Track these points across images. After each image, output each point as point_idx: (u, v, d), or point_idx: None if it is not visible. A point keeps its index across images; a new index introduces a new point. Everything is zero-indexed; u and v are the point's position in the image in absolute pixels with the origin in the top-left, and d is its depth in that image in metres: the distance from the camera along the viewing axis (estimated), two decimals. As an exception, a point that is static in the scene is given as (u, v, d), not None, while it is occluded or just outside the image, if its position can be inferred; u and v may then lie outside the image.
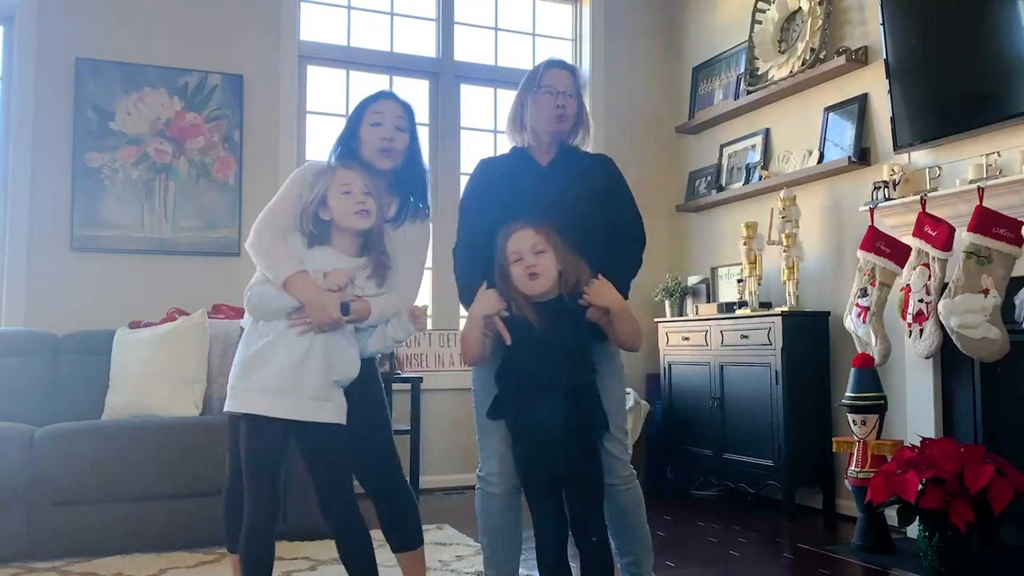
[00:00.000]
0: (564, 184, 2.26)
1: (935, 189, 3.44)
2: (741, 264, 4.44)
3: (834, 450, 3.68)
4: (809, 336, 4.04)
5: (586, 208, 2.24)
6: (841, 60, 4.01)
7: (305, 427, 2.05)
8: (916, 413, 3.50)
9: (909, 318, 3.37)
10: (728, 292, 4.79)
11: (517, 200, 2.23)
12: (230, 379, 2.11)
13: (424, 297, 4.97)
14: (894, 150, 3.69)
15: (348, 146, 2.28)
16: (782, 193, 4.14)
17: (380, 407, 2.33)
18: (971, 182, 3.23)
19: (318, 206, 2.13)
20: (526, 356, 2.08)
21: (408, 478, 2.70)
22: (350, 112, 2.34)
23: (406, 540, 2.33)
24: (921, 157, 3.66)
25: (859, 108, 4.01)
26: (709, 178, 5.04)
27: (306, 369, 2.04)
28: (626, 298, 2.17)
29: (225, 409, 2.10)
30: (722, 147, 4.96)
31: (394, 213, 2.29)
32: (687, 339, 4.62)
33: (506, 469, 2.21)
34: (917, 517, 2.97)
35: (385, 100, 2.30)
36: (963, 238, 3.13)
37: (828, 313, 4.10)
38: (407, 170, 2.32)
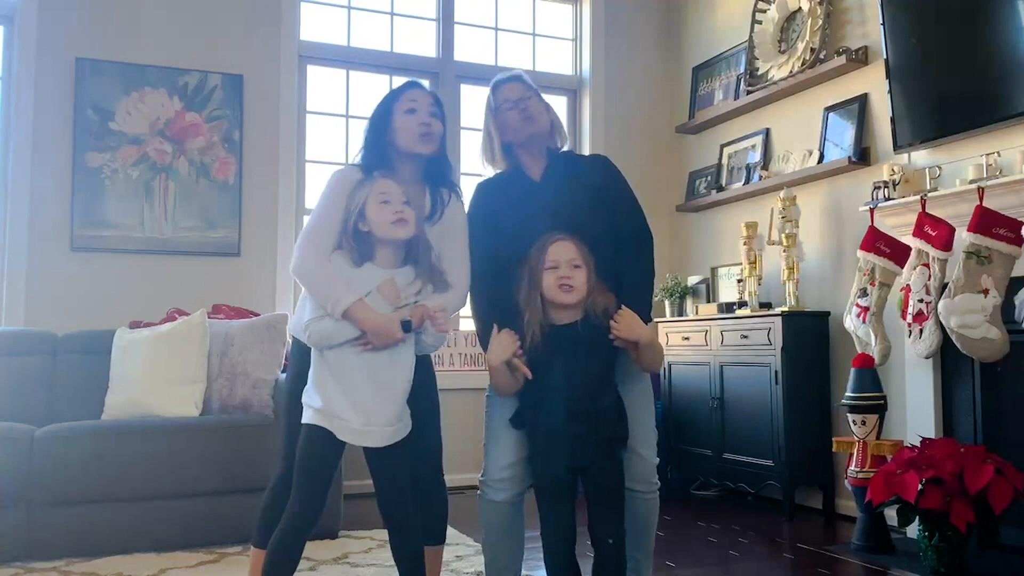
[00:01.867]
0: (562, 193, 2.24)
1: (935, 189, 3.44)
2: (741, 264, 4.44)
3: (834, 450, 3.68)
4: (809, 336, 4.04)
5: (587, 215, 2.21)
6: (841, 60, 4.01)
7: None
8: (916, 413, 3.50)
9: (909, 318, 3.37)
10: (728, 292, 4.79)
11: (518, 222, 2.21)
12: (311, 398, 2.10)
13: (424, 297, 4.96)
14: (894, 150, 3.69)
15: (380, 139, 2.27)
16: (782, 193, 4.14)
17: (437, 402, 2.37)
18: (971, 182, 3.23)
19: (357, 218, 2.11)
20: (548, 386, 2.08)
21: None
22: (377, 106, 2.32)
23: (435, 535, 2.35)
24: (921, 157, 3.66)
25: (859, 108, 4.01)
26: (709, 178, 5.04)
27: (385, 395, 2.07)
28: (648, 319, 2.16)
29: (309, 420, 2.09)
30: (722, 147, 4.96)
31: (428, 208, 2.28)
32: (687, 339, 4.62)
33: (512, 475, 2.20)
34: (917, 517, 2.97)
35: (417, 89, 2.32)
36: (963, 238, 3.13)
37: (828, 313, 4.10)
38: (437, 159, 2.33)
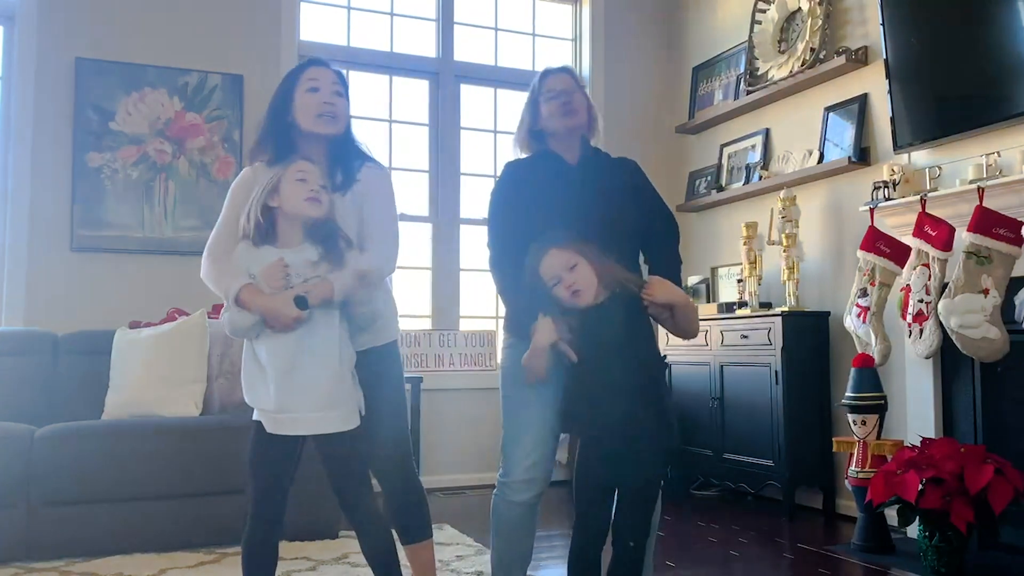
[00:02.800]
0: (596, 181, 2.27)
1: (935, 189, 3.44)
2: (741, 264, 4.44)
3: (834, 450, 3.68)
4: (809, 336, 4.04)
5: (622, 203, 2.25)
6: (841, 60, 4.01)
7: (317, 435, 2.02)
8: (916, 413, 3.50)
9: (909, 318, 3.37)
10: (728, 292, 4.79)
11: (551, 201, 2.21)
12: (243, 384, 2.06)
13: (423, 298, 4.97)
14: (894, 150, 3.69)
15: (281, 121, 2.16)
16: (782, 193, 4.14)
17: (396, 394, 2.26)
18: (971, 182, 3.23)
19: (268, 195, 2.02)
20: (591, 365, 2.06)
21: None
22: (277, 87, 2.23)
23: (416, 531, 2.30)
24: (921, 157, 3.66)
25: (859, 108, 4.01)
26: (709, 178, 5.04)
27: (301, 379, 1.97)
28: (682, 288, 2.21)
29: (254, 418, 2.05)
30: (722, 147, 4.96)
31: (340, 181, 2.17)
32: (697, 328, 4.60)
33: (535, 475, 2.18)
34: (917, 517, 2.97)
35: (317, 67, 2.19)
36: (963, 238, 3.13)
37: (828, 313, 4.10)
38: (347, 138, 2.23)
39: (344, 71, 4.85)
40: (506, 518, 2.24)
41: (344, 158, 2.21)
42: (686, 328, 2.17)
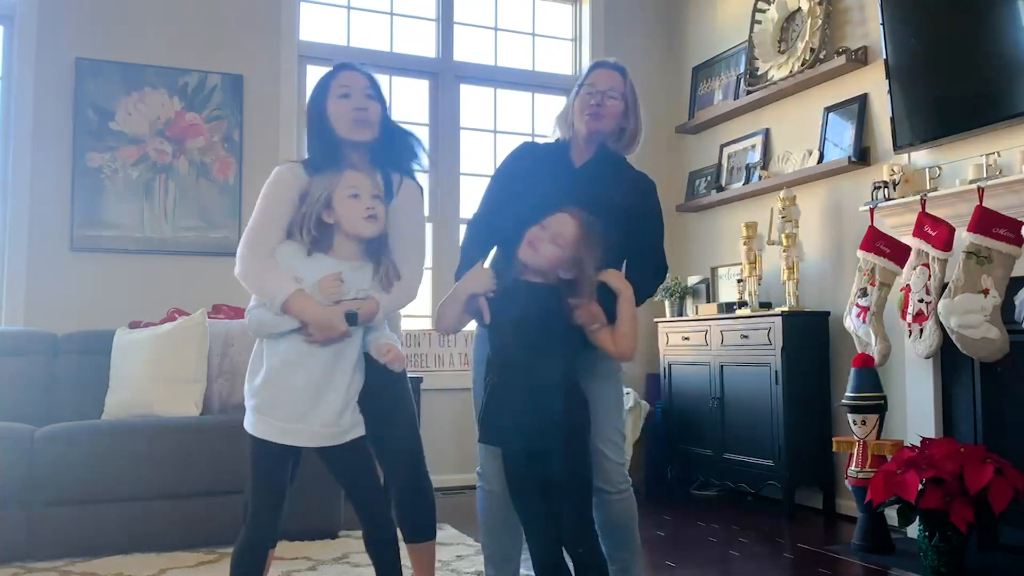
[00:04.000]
0: (590, 190, 2.19)
1: (935, 189, 3.44)
2: (741, 264, 4.44)
3: (834, 450, 3.68)
4: (809, 336, 4.04)
5: (608, 220, 2.13)
6: (841, 60, 4.01)
7: (325, 448, 2.02)
8: (916, 413, 3.50)
9: (909, 318, 3.37)
10: (728, 292, 4.79)
11: (539, 196, 2.18)
12: (246, 392, 2.02)
13: (423, 298, 4.97)
14: (894, 150, 3.69)
15: (323, 129, 2.15)
16: (782, 193, 4.14)
17: (406, 391, 2.27)
18: (971, 182, 3.23)
19: (322, 209, 2.01)
20: (513, 343, 2.01)
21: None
22: (311, 95, 2.21)
23: (422, 530, 2.30)
24: (921, 157, 3.66)
25: (859, 108, 4.01)
26: (709, 178, 5.04)
27: (326, 395, 1.97)
28: (638, 303, 2.12)
29: (245, 425, 2.02)
30: (722, 147, 4.96)
31: (383, 192, 2.16)
32: (687, 339, 4.62)
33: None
34: (917, 517, 2.97)
35: (348, 72, 2.17)
36: (963, 238, 3.13)
37: (828, 313, 4.10)
38: (385, 141, 2.20)
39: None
40: (488, 510, 2.26)
41: (386, 165, 2.20)
42: (624, 335, 2.03)
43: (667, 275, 2.37)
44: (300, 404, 1.96)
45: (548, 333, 2.00)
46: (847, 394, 3.45)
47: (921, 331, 3.33)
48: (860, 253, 3.57)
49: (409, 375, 4.54)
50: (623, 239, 2.17)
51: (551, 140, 2.39)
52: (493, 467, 2.21)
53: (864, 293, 3.55)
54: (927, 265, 3.30)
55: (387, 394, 2.16)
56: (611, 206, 2.17)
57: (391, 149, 2.21)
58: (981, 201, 3.10)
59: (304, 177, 2.09)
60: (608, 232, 2.09)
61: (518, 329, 2.01)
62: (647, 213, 2.28)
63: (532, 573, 2.12)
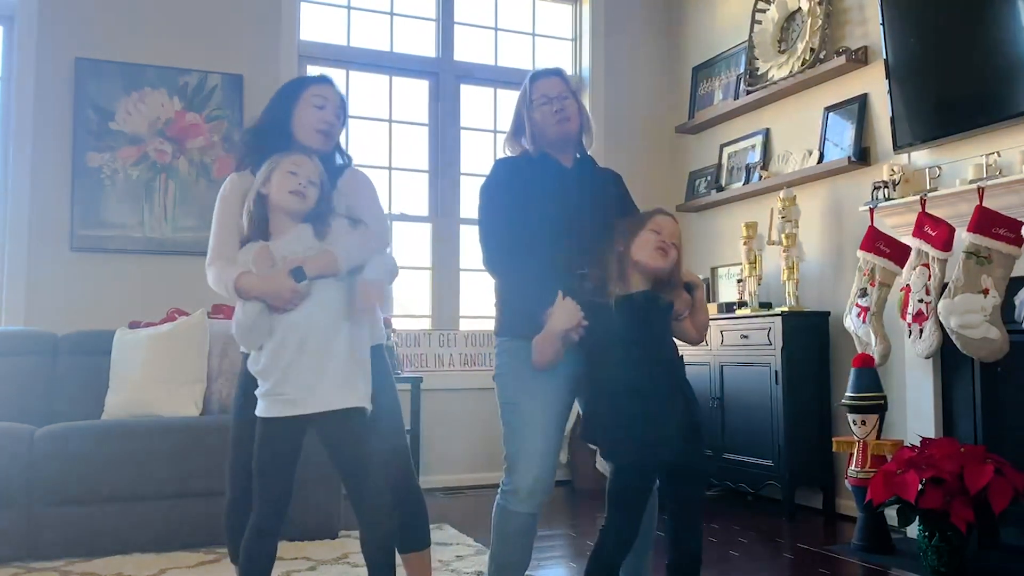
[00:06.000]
0: (590, 186, 2.26)
1: (935, 189, 3.44)
2: (741, 264, 4.45)
3: (834, 450, 3.68)
4: (809, 336, 4.04)
5: (611, 212, 2.22)
6: (841, 60, 4.01)
7: (324, 418, 2.00)
8: (916, 413, 3.50)
9: (909, 318, 3.37)
10: (728, 292, 4.79)
11: (547, 201, 2.18)
12: (258, 389, 2.05)
13: (423, 298, 4.97)
14: (894, 150, 3.69)
15: (280, 128, 2.19)
16: (782, 193, 4.14)
17: (390, 396, 2.25)
18: (971, 182, 3.23)
19: (261, 184, 2.06)
20: (626, 360, 2.01)
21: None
22: (282, 91, 2.27)
23: (415, 540, 2.29)
24: (921, 157, 3.66)
25: (859, 108, 4.01)
26: (709, 178, 5.04)
27: (327, 364, 1.98)
28: None
29: (257, 413, 2.04)
30: (722, 147, 4.96)
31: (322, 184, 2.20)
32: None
33: (543, 487, 2.14)
34: (917, 517, 2.97)
35: (329, 86, 2.26)
36: (963, 238, 3.13)
37: (828, 313, 4.10)
38: (329, 156, 2.27)
39: (343, 71, 4.90)
40: (509, 527, 2.19)
41: (328, 171, 2.23)
42: (704, 319, 2.16)
43: None
44: (306, 377, 1.98)
45: (664, 340, 2.08)
46: (847, 394, 3.45)
47: (921, 331, 3.33)
48: (860, 253, 3.58)
49: (409, 375, 4.55)
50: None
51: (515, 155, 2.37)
52: (527, 487, 2.13)
53: (864, 293, 3.55)
54: (927, 265, 3.30)
55: (375, 399, 2.13)
56: (609, 198, 2.27)
57: (332, 161, 2.27)
58: (981, 201, 3.10)
59: (251, 178, 2.15)
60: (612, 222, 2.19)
61: (637, 345, 2.01)
62: (630, 200, 2.38)
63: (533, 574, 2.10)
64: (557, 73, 2.33)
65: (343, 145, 2.38)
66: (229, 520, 2.19)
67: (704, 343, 4.39)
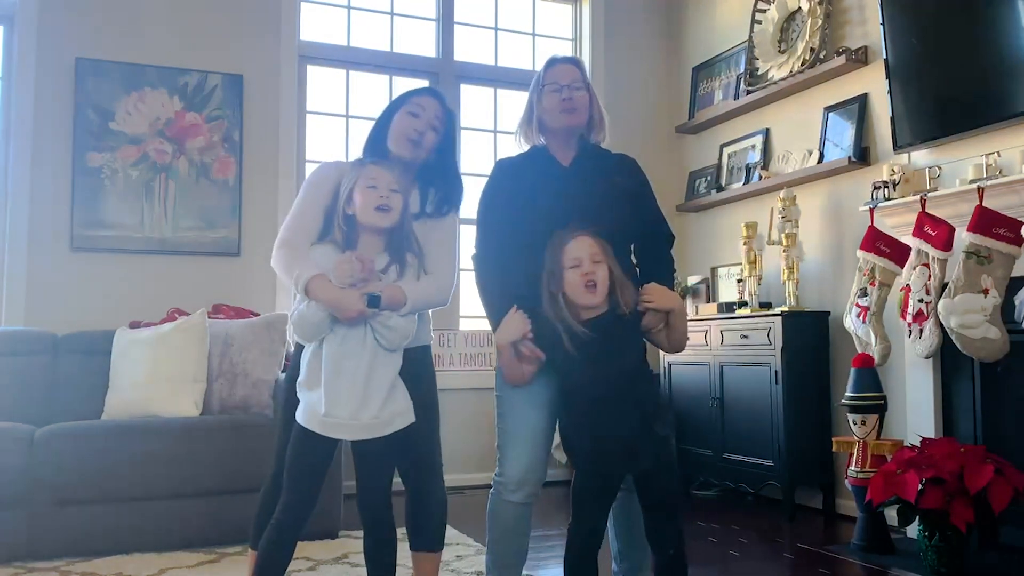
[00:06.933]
0: (589, 183, 2.22)
1: (935, 189, 3.44)
2: (741, 264, 4.44)
3: (834, 450, 3.68)
4: (809, 336, 4.04)
5: (613, 207, 2.20)
6: (841, 60, 4.01)
7: (365, 440, 2.05)
8: (916, 413, 3.50)
9: (909, 318, 3.37)
10: (728, 292, 4.79)
11: (541, 203, 2.18)
12: (299, 383, 2.07)
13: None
14: (894, 150, 3.69)
15: (379, 136, 2.24)
16: (782, 193, 4.14)
17: (429, 396, 2.28)
18: (971, 182, 3.23)
19: (346, 202, 2.08)
20: (586, 377, 2.04)
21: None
22: (392, 99, 2.30)
23: (430, 541, 2.29)
24: (921, 157, 3.66)
25: (859, 108, 4.01)
26: (709, 178, 5.04)
27: (370, 392, 2.01)
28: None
29: (296, 416, 2.05)
30: (722, 147, 4.96)
31: (417, 207, 2.24)
32: (687, 339, 4.60)
33: (532, 476, 2.18)
34: (917, 517, 2.97)
35: (430, 97, 2.27)
36: (963, 238, 3.13)
37: (828, 313, 4.10)
38: (435, 167, 2.28)
39: (343, 71, 4.89)
40: (502, 517, 2.23)
41: (427, 185, 2.27)
42: (679, 338, 2.16)
43: (674, 238, 2.40)
44: (350, 403, 2.00)
45: (625, 352, 2.07)
46: (847, 394, 3.45)
47: (921, 331, 3.33)
48: (860, 253, 3.58)
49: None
50: (633, 218, 2.25)
51: (522, 152, 2.36)
52: (516, 477, 2.17)
53: (864, 293, 3.55)
54: (927, 265, 3.30)
55: (413, 395, 2.16)
56: (615, 192, 2.23)
57: (437, 176, 2.28)
58: (981, 201, 3.10)
59: (347, 169, 2.15)
60: (620, 218, 2.19)
61: (596, 358, 2.03)
62: (643, 189, 2.33)
63: (532, 574, 2.11)
64: (572, 61, 2.34)
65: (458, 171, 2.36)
66: (263, 500, 2.22)
67: (704, 343, 4.44)
